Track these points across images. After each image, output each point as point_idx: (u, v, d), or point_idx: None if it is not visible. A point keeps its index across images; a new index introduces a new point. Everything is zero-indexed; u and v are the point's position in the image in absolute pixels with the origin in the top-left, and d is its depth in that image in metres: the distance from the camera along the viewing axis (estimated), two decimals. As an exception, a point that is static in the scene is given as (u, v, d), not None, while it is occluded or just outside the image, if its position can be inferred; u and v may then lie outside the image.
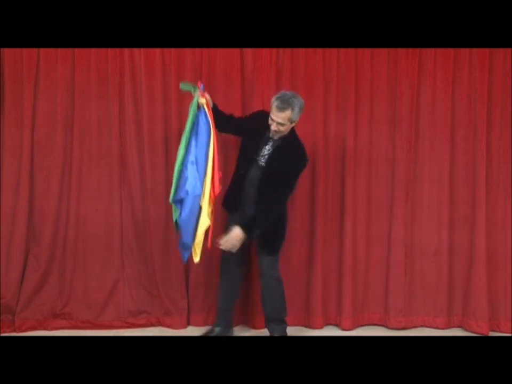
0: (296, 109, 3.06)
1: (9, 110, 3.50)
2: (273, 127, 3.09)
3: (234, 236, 3.10)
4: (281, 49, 3.62)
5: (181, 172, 3.16)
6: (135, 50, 3.55)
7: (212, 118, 3.17)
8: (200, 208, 3.12)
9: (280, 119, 3.05)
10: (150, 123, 3.59)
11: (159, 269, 3.62)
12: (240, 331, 3.59)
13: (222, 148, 3.47)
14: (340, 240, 3.71)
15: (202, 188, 3.11)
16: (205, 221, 3.11)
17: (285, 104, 3.03)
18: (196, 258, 3.16)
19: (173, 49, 3.55)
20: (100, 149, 3.59)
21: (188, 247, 3.17)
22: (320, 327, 3.71)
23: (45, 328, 3.53)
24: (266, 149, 3.20)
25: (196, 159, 3.13)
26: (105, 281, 3.61)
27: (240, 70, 3.62)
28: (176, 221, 3.20)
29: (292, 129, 3.21)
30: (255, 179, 3.18)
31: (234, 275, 3.36)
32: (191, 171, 3.13)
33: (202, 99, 3.16)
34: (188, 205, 3.11)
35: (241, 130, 3.34)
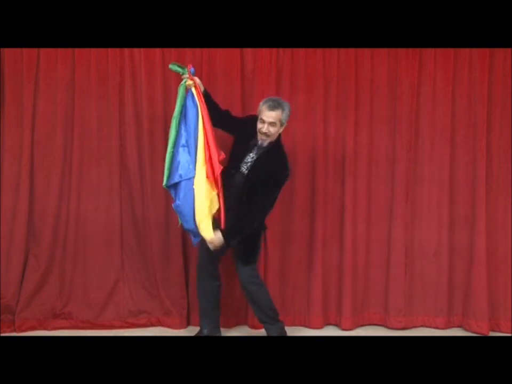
0: (286, 110, 3.12)
1: (9, 110, 3.50)
2: (264, 129, 3.08)
3: (217, 239, 3.10)
4: (281, 49, 3.62)
5: (173, 155, 3.14)
6: (135, 50, 3.55)
7: (202, 101, 3.15)
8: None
9: (271, 119, 3.06)
10: (150, 123, 3.59)
11: (159, 269, 3.62)
12: (239, 331, 3.59)
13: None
14: (340, 240, 3.71)
15: (195, 171, 3.09)
16: (201, 204, 3.05)
17: (276, 103, 3.09)
18: (208, 235, 3.08)
19: (173, 49, 3.55)
20: (100, 149, 3.59)
21: (193, 232, 3.16)
22: (320, 327, 3.71)
23: (45, 328, 3.53)
24: (250, 157, 3.19)
25: (187, 142, 3.12)
26: (105, 281, 3.62)
27: (240, 70, 3.62)
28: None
29: (278, 140, 3.20)
30: (238, 185, 3.17)
31: (210, 286, 3.37)
32: (182, 154, 3.11)
33: (190, 81, 3.14)
34: (181, 190, 3.10)
35: (234, 130, 3.32)
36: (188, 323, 3.67)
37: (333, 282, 3.74)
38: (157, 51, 3.55)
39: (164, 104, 3.59)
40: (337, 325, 3.75)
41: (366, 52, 3.65)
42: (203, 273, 3.36)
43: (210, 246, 3.12)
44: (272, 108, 3.07)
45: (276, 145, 3.20)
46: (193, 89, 3.16)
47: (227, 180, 3.19)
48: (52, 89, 3.52)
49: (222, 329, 3.47)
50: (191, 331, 3.59)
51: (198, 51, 3.57)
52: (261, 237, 3.34)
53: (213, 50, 3.56)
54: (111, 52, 3.53)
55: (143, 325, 3.63)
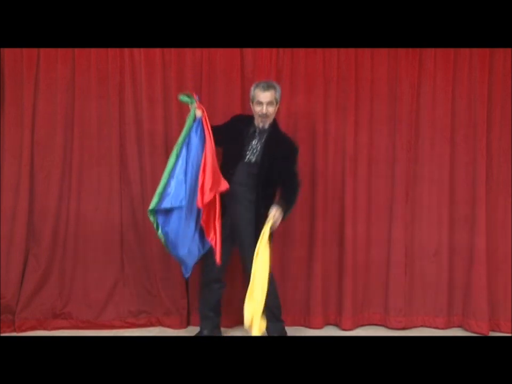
0: (278, 89, 3.24)
1: (9, 110, 3.50)
2: (264, 110, 3.16)
3: (278, 215, 3.09)
4: (281, 49, 3.62)
5: (167, 183, 3.10)
6: (135, 50, 3.55)
7: (209, 128, 3.13)
8: (194, 219, 3.09)
9: (268, 98, 3.16)
10: (150, 123, 3.59)
11: (159, 269, 3.62)
12: (239, 331, 3.59)
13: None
14: (340, 240, 3.71)
15: (187, 199, 3.06)
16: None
17: (268, 84, 3.22)
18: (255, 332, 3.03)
19: (173, 49, 3.55)
20: (100, 149, 3.59)
21: (182, 260, 3.15)
22: (320, 327, 3.71)
23: (45, 328, 3.53)
24: (253, 144, 3.23)
25: (185, 172, 3.09)
26: (105, 281, 3.62)
27: (240, 70, 3.63)
28: (158, 232, 3.14)
29: (275, 122, 3.27)
30: (245, 177, 3.19)
31: (213, 290, 3.37)
32: (179, 184, 3.08)
33: (199, 110, 3.15)
34: (172, 217, 3.08)
35: (222, 138, 3.26)
36: (188, 323, 3.68)
37: (333, 282, 3.74)
38: (157, 51, 3.55)
39: (163, 104, 3.59)
40: (337, 325, 3.75)
41: (366, 51, 3.65)
42: (209, 282, 3.35)
43: (274, 223, 3.08)
44: (266, 88, 3.17)
45: (275, 127, 3.28)
46: (202, 119, 3.14)
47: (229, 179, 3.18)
48: (52, 89, 3.53)
49: (221, 329, 3.47)
50: (191, 331, 3.60)
51: (198, 51, 3.58)
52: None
53: (213, 50, 3.57)
54: (111, 51, 3.53)
55: (143, 325, 3.63)
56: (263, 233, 3.04)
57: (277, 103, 3.22)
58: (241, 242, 3.28)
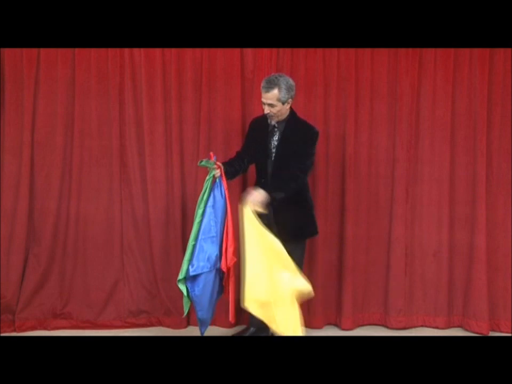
0: (283, 87, 3.06)
1: (9, 110, 3.50)
2: (266, 110, 3.11)
3: (258, 193, 3.00)
4: (281, 49, 3.62)
5: (196, 247, 3.06)
6: (135, 50, 3.55)
7: (226, 188, 3.11)
8: (219, 279, 3.09)
9: (269, 100, 3.06)
10: (150, 123, 3.59)
11: (159, 269, 3.62)
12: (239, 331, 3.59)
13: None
14: (340, 240, 3.71)
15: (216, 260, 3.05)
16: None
17: (270, 84, 3.06)
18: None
19: (173, 49, 3.55)
20: (100, 149, 3.59)
21: (205, 322, 3.14)
22: (320, 327, 3.71)
23: (45, 328, 3.54)
24: (275, 140, 3.21)
25: (216, 233, 3.06)
26: (105, 281, 3.62)
27: (240, 70, 3.63)
28: (187, 296, 3.10)
29: (292, 112, 3.22)
30: (270, 171, 3.20)
31: None
32: (211, 246, 3.05)
33: (217, 171, 3.09)
34: (201, 281, 3.04)
35: (251, 152, 3.28)
36: (188, 323, 3.67)
37: (333, 282, 3.74)
38: (157, 51, 3.55)
39: (163, 104, 3.59)
40: (337, 324, 3.75)
41: (366, 51, 3.65)
42: None
43: (252, 201, 2.96)
44: (267, 89, 3.05)
45: (292, 118, 3.21)
46: (221, 179, 3.10)
47: (259, 181, 3.22)
48: (52, 89, 3.52)
49: (221, 329, 3.48)
50: (191, 331, 3.60)
51: (198, 51, 3.57)
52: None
53: (213, 50, 3.56)
54: (111, 51, 3.53)
55: (143, 325, 3.64)
56: (244, 218, 2.92)
57: (283, 103, 3.09)
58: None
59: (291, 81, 3.12)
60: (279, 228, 3.15)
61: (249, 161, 3.32)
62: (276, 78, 3.09)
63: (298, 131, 3.19)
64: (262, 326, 3.37)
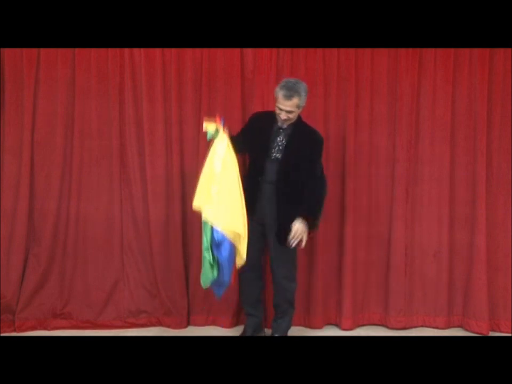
0: (303, 94, 3.09)
1: (9, 110, 3.50)
2: (283, 116, 3.09)
3: (299, 230, 3.08)
4: (281, 49, 3.62)
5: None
6: (135, 50, 3.55)
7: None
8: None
9: (288, 107, 3.06)
10: (150, 123, 3.59)
11: (159, 269, 3.62)
12: (240, 331, 3.59)
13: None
14: (340, 240, 3.71)
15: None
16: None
17: (291, 92, 3.04)
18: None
19: (173, 49, 3.55)
20: (100, 149, 3.59)
21: (225, 284, 3.12)
22: (320, 327, 3.71)
23: (45, 328, 3.53)
24: (279, 141, 3.19)
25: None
26: (105, 281, 3.62)
27: (240, 70, 3.62)
28: (211, 265, 3.06)
29: (299, 116, 3.22)
30: (271, 174, 3.18)
31: (256, 287, 3.40)
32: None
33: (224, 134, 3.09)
34: (227, 244, 3.03)
35: (245, 142, 3.25)
36: (188, 323, 3.67)
37: (333, 282, 3.74)
38: (157, 51, 3.55)
39: (163, 104, 3.59)
40: (337, 324, 3.75)
41: (366, 51, 3.65)
42: (248, 277, 3.33)
43: (298, 238, 3.09)
44: (288, 97, 3.04)
45: (299, 121, 3.22)
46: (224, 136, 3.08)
47: (252, 184, 3.19)
48: (52, 89, 3.52)
49: (221, 329, 3.48)
50: (191, 331, 3.60)
51: (198, 51, 3.57)
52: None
53: (213, 50, 3.56)
54: (111, 51, 3.53)
55: (143, 325, 3.63)
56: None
57: (299, 108, 3.12)
58: (268, 242, 3.29)
59: (306, 86, 3.13)
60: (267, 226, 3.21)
61: (241, 151, 3.28)
62: (295, 85, 3.08)
63: (306, 136, 3.20)
64: (258, 326, 3.39)
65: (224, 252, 3.02)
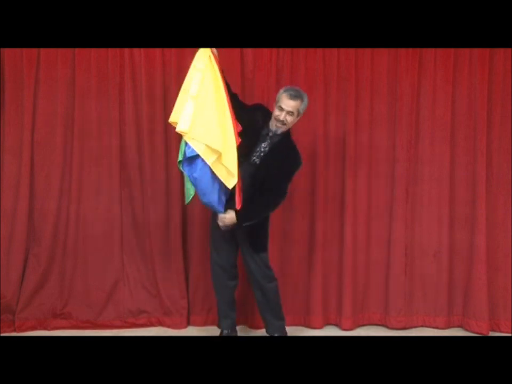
0: (305, 101, 3.13)
1: (9, 110, 3.50)
2: (282, 117, 3.09)
3: (230, 218, 3.09)
4: (281, 49, 3.62)
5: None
6: (135, 50, 3.55)
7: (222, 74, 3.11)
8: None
9: (290, 108, 3.07)
10: (150, 123, 3.59)
11: (159, 269, 3.62)
12: (239, 331, 3.59)
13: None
14: (340, 240, 3.71)
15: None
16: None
17: (297, 93, 3.10)
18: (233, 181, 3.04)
19: (173, 49, 3.55)
20: (100, 149, 3.59)
21: (212, 205, 3.09)
22: (320, 327, 3.71)
23: (45, 328, 3.54)
24: (263, 147, 3.17)
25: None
26: (105, 281, 3.62)
27: (240, 70, 3.62)
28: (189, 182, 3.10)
29: (289, 131, 3.20)
30: (246, 175, 3.13)
31: (227, 286, 3.37)
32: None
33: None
34: (198, 164, 3.00)
35: (242, 115, 3.21)
36: (188, 323, 3.67)
37: (333, 282, 3.74)
38: (157, 51, 3.55)
39: (163, 104, 3.59)
40: (337, 325, 3.75)
41: (366, 51, 3.65)
42: (221, 272, 3.32)
43: (220, 223, 3.12)
44: (293, 97, 3.07)
45: (288, 137, 3.20)
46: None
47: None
48: (52, 89, 3.52)
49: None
50: (191, 331, 3.60)
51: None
52: (268, 220, 3.30)
53: (213, 50, 3.56)
54: (111, 52, 3.53)
55: (143, 325, 3.63)
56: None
57: (298, 115, 3.14)
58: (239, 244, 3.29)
59: (308, 99, 3.17)
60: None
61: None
62: (301, 90, 3.16)
63: (286, 152, 3.16)
64: (233, 326, 3.39)
65: (195, 172, 3.00)
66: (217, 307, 3.44)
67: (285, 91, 3.11)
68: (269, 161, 3.14)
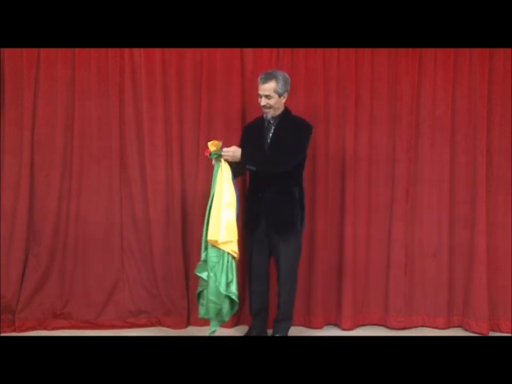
0: (281, 79, 3.16)
1: (9, 110, 3.50)
2: (262, 102, 3.16)
3: (236, 150, 3.08)
4: (281, 49, 3.62)
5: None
6: (135, 50, 3.55)
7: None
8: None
9: (266, 91, 3.13)
10: (150, 123, 3.59)
11: (159, 269, 3.62)
12: (239, 331, 3.59)
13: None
14: (340, 240, 3.71)
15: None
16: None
17: (268, 75, 3.16)
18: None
19: (173, 49, 3.55)
20: (100, 149, 3.59)
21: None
22: (320, 327, 3.71)
23: (45, 328, 3.54)
24: (270, 135, 3.24)
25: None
26: (105, 281, 3.62)
27: (240, 70, 3.63)
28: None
29: (287, 110, 3.26)
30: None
31: (263, 288, 3.41)
32: None
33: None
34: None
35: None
36: (188, 323, 3.67)
37: (333, 282, 3.74)
38: (157, 51, 3.55)
39: (163, 104, 3.59)
40: (337, 325, 3.75)
41: (366, 51, 3.65)
42: (256, 277, 3.35)
43: (226, 154, 3.07)
44: (264, 80, 3.14)
45: (287, 114, 3.26)
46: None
47: (255, 201, 3.26)
48: (52, 89, 3.53)
49: (221, 329, 3.46)
50: (191, 331, 3.60)
51: (198, 51, 3.58)
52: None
53: (212, 50, 3.57)
54: (111, 51, 3.53)
55: (143, 325, 3.63)
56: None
57: (279, 95, 3.16)
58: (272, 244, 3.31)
59: (287, 75, 3.22)
60: (267, 220, 3.21)
61: (241, 173, 3.34)
62: (274, 71, 3.23)
63: (291, 125, 3.23)
64: (264, 326, 3.40)
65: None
66: (250, 307, 3.47)
67: (259, 78, 3.18)
68: (280, 135, 3.20)
